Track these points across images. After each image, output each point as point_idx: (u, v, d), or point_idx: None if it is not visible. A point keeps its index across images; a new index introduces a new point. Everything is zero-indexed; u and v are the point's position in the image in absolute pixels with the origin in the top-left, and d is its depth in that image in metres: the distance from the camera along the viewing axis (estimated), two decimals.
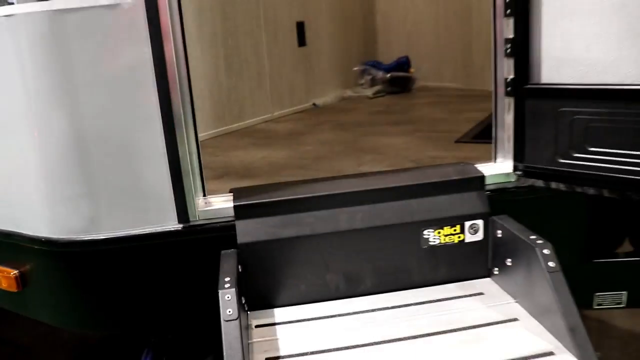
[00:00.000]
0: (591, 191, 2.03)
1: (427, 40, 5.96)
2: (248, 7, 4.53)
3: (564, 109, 2.03)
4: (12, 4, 1.96)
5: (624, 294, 2.54)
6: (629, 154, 1.89)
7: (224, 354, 1.79)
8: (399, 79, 5.89)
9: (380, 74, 5.93)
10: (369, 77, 5.94)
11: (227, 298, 1.85)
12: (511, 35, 2.14)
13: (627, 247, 2.86)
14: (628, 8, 1.86)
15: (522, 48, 2.13)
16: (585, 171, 2.03)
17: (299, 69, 5.23)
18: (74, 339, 4.44)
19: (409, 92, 5.86)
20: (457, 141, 3.13)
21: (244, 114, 4.49)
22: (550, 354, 1.77)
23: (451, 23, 5.65)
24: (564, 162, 2.09)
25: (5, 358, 4.18)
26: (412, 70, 5.92)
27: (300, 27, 5.13)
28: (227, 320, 1.80)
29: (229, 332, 1.79)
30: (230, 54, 4.35)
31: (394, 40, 6.40)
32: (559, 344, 1.81)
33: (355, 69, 5.99)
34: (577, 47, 1.99)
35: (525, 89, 2.13)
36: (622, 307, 2.62)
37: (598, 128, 2.01)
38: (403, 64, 5.98)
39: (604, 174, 2.00)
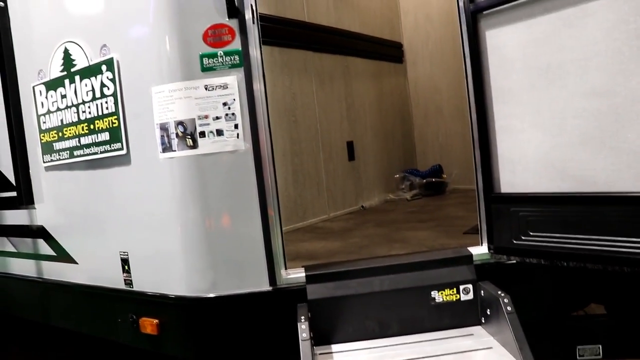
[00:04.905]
0: (534, 261, 2.71)
1: (456, 151, 6.40)
2: (308, 133, 5.19)
3: (513, 209, 2.78)
4: (175, 150, 2.92)
5: (599, 347, 3.05)
6: (553, 235, 2.67)
7: None
8: (433, 184, 6.32)
9: (417, 180, 6.34)
10: (408, 183, 6.36)
11: (303, 327, 2.61)
12: (480, 164, 2.95)
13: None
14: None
15: (487, 172, 2.91)
16: (529, 248, 2.74)
17: (349, 178, 5.71)
18: None
19: (442, 194, 6.26)
20: (464, 233, 3.74)
21: (307, 215, 5.11)
22: None
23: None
24: (516, 243, 2.78)
25: None
26: (444, 176, 6.36)
27: (350, 145, 5.73)
28: (303, 340, 2.56)
29: (305, 348, 2.54)
30: (296, 170, 5.02)
31: (429, 151, 6.88)
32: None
33: (396, 176, 6.42)
34: (517, 174, 2.79)
35: (491, 196, 2.87)
36: (600, 358, 3.08)
37: (534, 220, 2.72)
38: (436, 170, 6.45)
39: (540, 249, 2.71)
